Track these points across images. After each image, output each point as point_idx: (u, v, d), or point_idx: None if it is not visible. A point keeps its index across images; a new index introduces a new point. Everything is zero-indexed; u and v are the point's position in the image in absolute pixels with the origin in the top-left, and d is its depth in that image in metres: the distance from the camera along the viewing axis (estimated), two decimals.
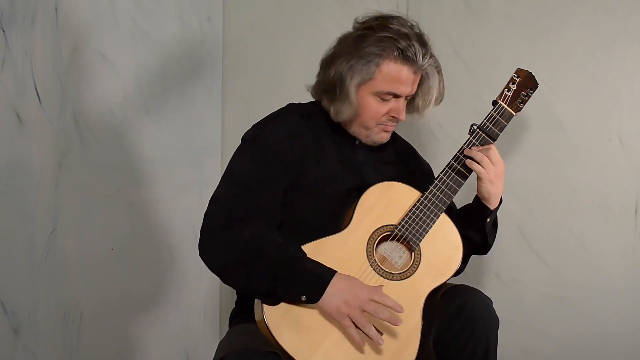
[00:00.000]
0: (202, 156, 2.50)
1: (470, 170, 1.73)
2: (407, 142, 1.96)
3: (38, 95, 1.95)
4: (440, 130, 2.29)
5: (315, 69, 2.43)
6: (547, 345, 2.21)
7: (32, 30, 1.93)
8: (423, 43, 1.71)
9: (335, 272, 1.60)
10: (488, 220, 1.76)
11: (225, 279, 1.67)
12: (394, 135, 1.89)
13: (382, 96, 1.72)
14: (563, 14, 2.17)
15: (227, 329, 1.83)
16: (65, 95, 2.04)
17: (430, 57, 1.72)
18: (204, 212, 1.69)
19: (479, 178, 1.73)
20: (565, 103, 2.17)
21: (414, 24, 1.74)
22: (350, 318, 1.58)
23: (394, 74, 1.70)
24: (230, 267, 1.63)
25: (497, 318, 1.66)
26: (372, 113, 1.73)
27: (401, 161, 1.89)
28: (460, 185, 1.73)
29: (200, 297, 2.51)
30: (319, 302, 1.58)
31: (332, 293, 1.58)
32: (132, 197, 2.25)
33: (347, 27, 2.34)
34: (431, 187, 1.72)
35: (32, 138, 1.94)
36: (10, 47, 1.88)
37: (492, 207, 1.76)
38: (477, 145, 1.75)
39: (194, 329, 2.49)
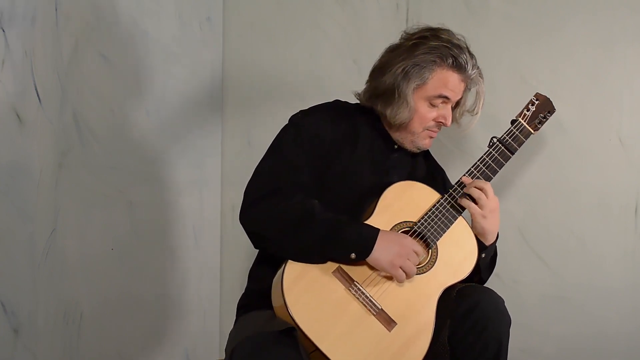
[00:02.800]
0: (202, 156, 2.50)
1: (493, 174, 1.80)
2: (438, 163, 2.02)
3: (38, 95, 1.95)
4: (442, 132, 2.28)
5: (316, 68, 2.44)
6: (547, 345, 2.21)
7: (32, 30, 1.93)
8: (472, 55, 1.81)
9: (379, 229, 1.69)
10: (483, 255, 1.79)
11: (267, 241, 1.72)
12: (428, 154, 1.97)
13: (432, 101, 1.79)
14: (563, 14, 2.17)
15: (228, 328, 1.83)
16: (65, 95, 2.04)
17: (477, 68, 1.81)
18: (247, 183, 1.77)
19: (471, 214, 1.78)
20: (565, 103, 2.17)
21: (462, 38, 1.82)
22: (402, 268, 1.67)
23: (445, 79, 1.78)
24: (277, 228, 1.69)
25: (509, 317, 1.70)
26: (422, 119, 1.81)
27: (429, 174, 1.94)
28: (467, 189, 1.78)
29: (200, 297, 2.51)
30: (368, 258, 1.67)
31: (381, 248, 1.67)
32: (132, 197, 2.25)
33: (347, 27, 2.34)
34: (451, 190, 1.78)
35: (32, 138, 1.94)
36: (10, 47, 1.88)
37: (487, 243, 1.79)
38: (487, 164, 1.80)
39: (194, 329, 2.49)
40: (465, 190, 1.77)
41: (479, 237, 1.79)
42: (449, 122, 1.83)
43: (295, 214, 1.68)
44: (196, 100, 2.47)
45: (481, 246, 1.78)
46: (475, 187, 1.76)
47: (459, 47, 1.78)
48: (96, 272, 2.15)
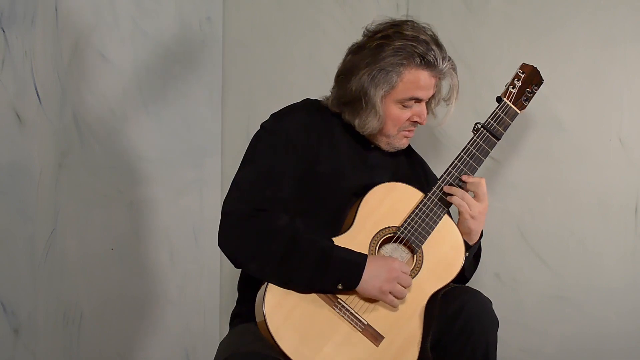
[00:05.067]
0: (202, 156, 2.50)
1: (479, 164, 1.73)
2: (419, 156, 1.97)
3: (38, 95, 1.95)
4: (440, 130, 2.29)
5: (316, 68, 2.44)
6: (547, 345, 2.21)
7: (32, 30, 1.93)
8: (440, 46, 1.73)
9: (367, 255, 1.63)
10: (467, 254, 1.74)
11: (252, 269, 1.64)
12: (409, 147, 1.90)
13: (404, 103, 1.73)
14: (563, 14, 2.17)
15: (228, 328, 1.83)
16: (65, 95, 2.04)
17: (448, 60, 1.74)
18: (225, 197, 1.69)
19: (459, 212, 1.72)
20: (565, 103, 2.17)
21: (427, 26, 1.74)
22: (391, 293, 1.62)
23: (415, 80, 1.71)
24: (259, 261, 1.62)
25: (497, 319, 1.66)
26: (395, 121, 1.74)
27: (411, 169, 1.90)
28: (463, 185, 1.73)
29: (200, 297, 2.51)
30: (357, 288, 1.62)
31: (369, 276, 1.61)
32: (132, 197, 2.25)
33: (347, 27, 2.34)
34: (434, 189, 1.72)
35: (32, 138, 1.94)
36: (10, 47, 1.88)
37: (470, 243, 1.75)
38: (480, 144, 1.75)
39: (194, 329, 2.49)
40: (447, 190, 1.71)
41: (463, 235, 1.73)
42: (424, 120, 1.76)
43: (279, 247, 1.61)
44: (196, 100, 2.47)
45: (465, 245, 1.73)
46: (460, 190, 1.70)
47: (425, 42, 1.69)
48: (96, 272, 2.15)
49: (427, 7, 2.29)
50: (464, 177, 1.72)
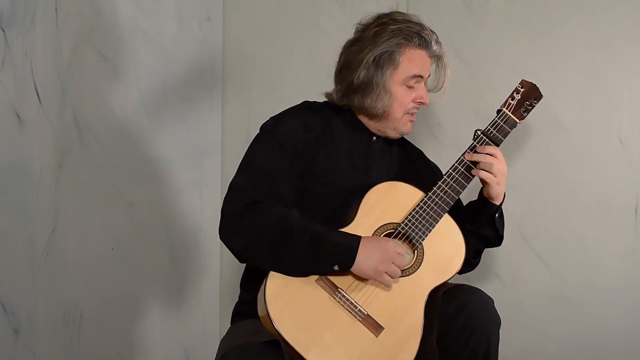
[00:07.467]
0: (202, 156, 2.51)
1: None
2: (416, 147, 2.00)
3: (38, 95, 1.95)
4: (440, 131, 2.29)
5: (316, 68, 2.44)
6: (547, 345, 2.22)
7: (32, 30, 1.93)
8: (431, 30, 1.81)
9: (361, 237, 1.66)
10: (497, 215, 1.80)
11: (250, 259, 1.70)
12: (405, 141, 1.95)
13: (408, 83, 1.78)
14: (563, 14, 2.17)
15: (228, 328, 1.83)
16: (65, 95, 2.04)
17: (439, 43, 1.82)
18: (223, 199, 1.73)
19: (485, 183, 1.77)
20: (565, 103, 2.17)
21: (416, 15, 1.82)
22: (387, 273, 1.65)
23: (414, 58, 1.78)
24: (257, 246, 1.66)
25: (499, 317, 1.68)
26: (400, 102, 1.79)
27: (410, 163, 1.93)
28: (464, 187, 1.75)
29: (200, 297, 2.51)
30: (352, 268, 1.65)
31: (364, 257, 1.64)
32: (132, 197, 2.25)
33: (347, 27, 2.34)
34: (435, 188, 1.74)
35: (32, 138, 1.94)
36: (10, 47, 1.88)
37: (498, 203, 1.80)
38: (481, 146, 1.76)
39: (194, 329, 2.49)
40: (477, 158, 1.74)
41: (490, 200, 1.78)
42: (427, 100, 1.82)
43: (274, 232, 1.65)
44: (196, 100, 2.47)
45: (491, 209, 1.78)
46: (487, 154, 1.75)
47: (418, 24, 1.79)
48: (96, 272, 2.15)
49: (427, 7, 2.29)
50: (480, 148, 1.76)
